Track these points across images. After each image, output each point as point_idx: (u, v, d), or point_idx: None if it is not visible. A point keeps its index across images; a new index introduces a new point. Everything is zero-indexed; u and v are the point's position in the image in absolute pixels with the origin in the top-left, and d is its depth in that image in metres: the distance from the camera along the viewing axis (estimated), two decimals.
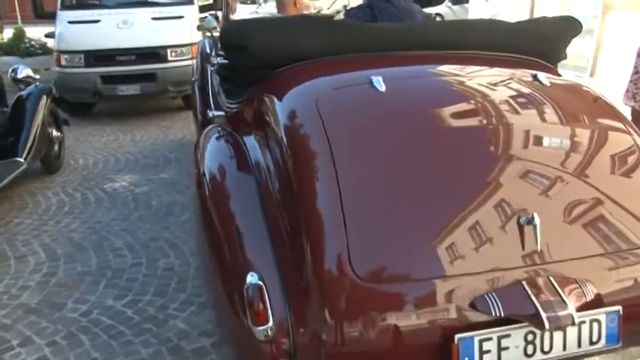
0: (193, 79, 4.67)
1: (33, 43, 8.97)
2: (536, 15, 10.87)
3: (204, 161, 2.19)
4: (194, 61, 6.37)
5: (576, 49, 8.99)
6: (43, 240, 3.56)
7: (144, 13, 6.66)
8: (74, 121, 5.86)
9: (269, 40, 2.08)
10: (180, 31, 6.64)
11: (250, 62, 2.12)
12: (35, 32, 9.08)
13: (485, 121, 1.80)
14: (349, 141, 1.71)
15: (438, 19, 19.30)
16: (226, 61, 2.30)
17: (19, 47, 8.86)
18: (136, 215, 3.91)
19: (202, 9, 7.21)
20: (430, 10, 11.49)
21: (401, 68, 2.06)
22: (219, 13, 6.02)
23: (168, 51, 6.45)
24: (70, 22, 6.67)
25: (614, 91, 2.33)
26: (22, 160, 4.20)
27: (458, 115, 1.82)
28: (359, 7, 3.31)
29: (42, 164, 4.74)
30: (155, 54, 6.42)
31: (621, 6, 8.14)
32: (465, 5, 12.00)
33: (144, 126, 6.42)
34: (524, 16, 10.97)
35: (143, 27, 6.52)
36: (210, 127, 2.46)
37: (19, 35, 9.09)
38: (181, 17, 6.71)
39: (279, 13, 3.34)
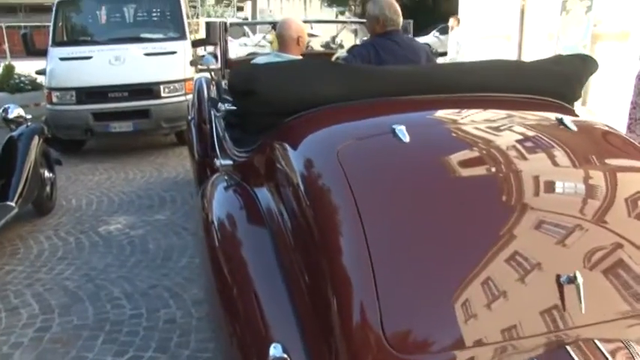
0: (190, 117, 4.55)
1: (22, 79, 8.86)
2: (524, 46, 10.98)
3: (212, 209, 2.07)
4: (188, 96, 6.33)
5: None
6: (36, 289, 3.38)
7: (136, 49, 6.57)
8: (66, 158, 5.72)
9: (280, 85, 1.97)
10: (174, 67, 6.55)
11: (261, 109, 2.01)
12: (25, 67, 8.97)
13: (517, 171, 1.69)
14: (375, 195, 1.59)
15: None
16: (234, 107, 2.19)
17: (9, 83, 8.74)
18: (132, 261, 3.74)
19: (195, 43, 7.15)
20: (418, 39, 11.50)
21: (422, 115, 1.96)
22: (210, 48, 6.01)
23: (162, 87, 6.34)
24: (61, 59, 6.56)
25: (606, 120, 2.25)
26: (13, 204, 4.04)
27: (488, 165, 1.71)
28: (362, 44, 3.24)
29: (33, 206, 4.58)
30: (148, 90, 6.32)
31: (609, 36, 8.22)
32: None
33: (137, 163, 6.28)
34: (513, 47, 11.10)
35: (136, 63, 6.42)
36: (217, 175, 2.34)
37: (9, 71, 8.99)
38: (174, 53, 6.63)
39: (280, 51, 3.23)
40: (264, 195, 1.96)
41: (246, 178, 2.16)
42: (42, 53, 6.84)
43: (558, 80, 2.28)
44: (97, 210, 4.84)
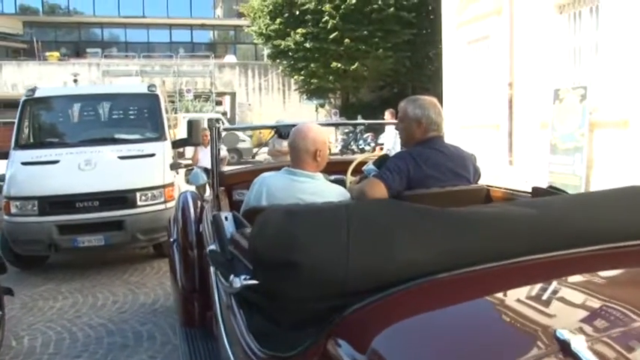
0: (172, 238, 3.70)
1: None
2: (515, 136, 10.53)
3: None
4: (168, 204, 5.51)
5: (566, 168, 8.55)
6: None
7: (109, 152, 5.77)
8: (24, 278, 4.81)
9: (338, 252, 1.16)
10: (152, 172, 5.76)
11: (306, 291, 1.17)
12: None
13: None
14: None
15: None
16: (255, 282, 1.33)
17: None
18: None
19: (175, 144, 6.40)
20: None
21: (587, 306, 1.13)
22: (200, 159, 5.23)
23: (138, 195, 5.50)
24: (23, 164, 5.73)
25: None
26: None
27: None
28: (397, 155, 2.51)
29: None
30: (122, 199, 5.46)
31: (608, 124, 7.80)
32: None
33: (108, 284, 5.29)
34: (502, 137, 10.66)
35: (108, 168, 5.61)
36: None
37: None
38: (152, 155, 5.85)
39: (294, 167, 2.45)
40: None
41: None
42: (3, 156, 6.00)
43: None
44: (55, 353, 3.82)
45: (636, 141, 7.35)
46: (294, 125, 2.67)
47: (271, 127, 4.21)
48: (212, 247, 2.01)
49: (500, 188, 2.74)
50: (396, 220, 1.30)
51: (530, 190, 2.55)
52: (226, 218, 2.04)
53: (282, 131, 3.32)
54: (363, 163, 3.16)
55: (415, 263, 1.21)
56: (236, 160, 18.06)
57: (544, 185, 2.69)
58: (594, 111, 7.98)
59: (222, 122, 19.95)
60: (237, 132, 3.76)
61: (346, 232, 1.21)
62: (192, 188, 5.82)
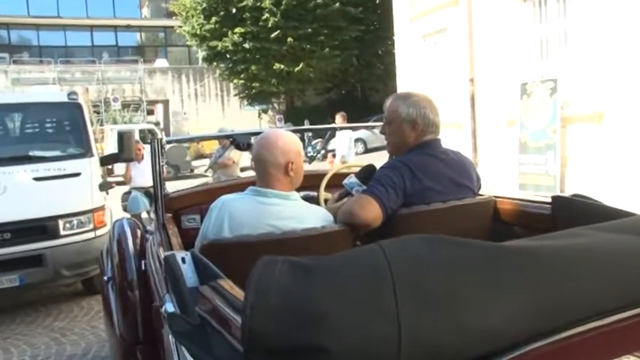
0: (106, 276, 3.22)
1: None
2: (480, 135, 10.47)
3: None
4: (98, 232, 4.98)
5: (539, 167, 8.46)
6: None
7: (23, 173, 5.17)
8: None
9: (385, 321, 0.80)
10: (76, 194, 5.17)
11: None
12: None
13: None
14: None
15: (360, 144, 19.36)
16: None
17: None
18: None
19: (104, 161, 5.84)
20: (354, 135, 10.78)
21: None
22: (139, 180, 4.72)
23: (60, 222, 4.90)
24: None
25: None
26: None
27: None
28: (389, 166, 2.20)
29: None
30: (41, 228, 4.85)
31: (581, 118, 7.75)
32: None
33: (25, 332, 4.68)
34: (465, 137, 10.54)
35: (22, 192, 5.00)
36: None
37: None
38: (77, 175, 5.28)
39: (261, 186, 2.07)
40: None
41: None
42: None
43: None
44: None
45: (612, 135, 7.33)
46: (253, 134, 2.30)
47: (224, 137, 3.79)
48: (168, 306, 1.58)
49: (510, 199, 2.44)
50: (459, 267, 0.94)
51: (548, 200, 2.27)
52: (183, 260, 1.62)
53: (238, 141, 2.91)
54: (338, 175, 2.80)
55: (498, 332, 0.85)
56: (173, 174, 17.36)
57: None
58: (566, 105, 7.96)
59: (157, 133, 19.23)
60: (182, 144, 3.30)
61: (392, 291, 0.84)
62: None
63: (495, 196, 2.42)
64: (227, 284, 1.33)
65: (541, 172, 8.24)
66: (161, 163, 2.71)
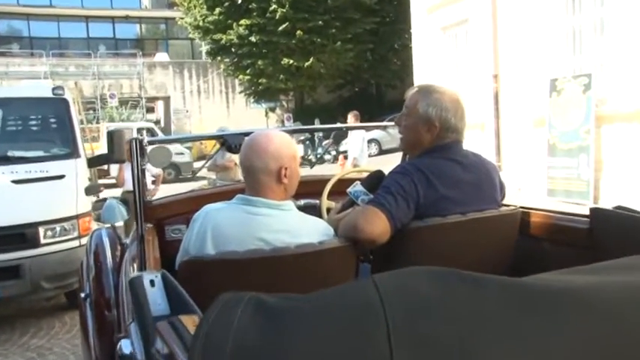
0: (83, 292, 3.10)
1: None
2: (504, 136, 10.25)
3: None
4: (84, 240, 4.84)
5: (569, 171, 8.21)
6: None
7: (0, 175, 5.06)
8: None
9: None
10: (60, 199, 5.06)
11: None
12: None
13: None
14: None
15: (374, 145, 19.20)
16: None
17: None
18: None
19: (92, 162, 5.74)
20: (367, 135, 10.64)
21: None
22: (117, 168, 4.58)
23: (41, 230, 4.78)
24: None
25: None
26: None
27: None
28: (399, 171, 2.05)
29: None
30: (19, 236, 4.72)
31: (619, 117, 7.51)
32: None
33: (1, 351, 4.56)
34: (488, 138, 10.33)
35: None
36: None
37: None
38: (61, 177, 5.17)
39: (250, 194, 1.95)
40: None
41: None
42: None
43: None
44: None
45: None
46: (247, 134, 2.16)
47: (213, 138, 3.64)
48: (124, 345, 1.43)
49: (541, 210, 2.29)
50: (475, 311, 0.78)
51: (585, 212, 2.11)
52: (152, 283, 1.47)
53: (229, 142, 2.77)
54: (345, 181, 2.66)
55: None
56: (173, 176, 17.32)
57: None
58: (601, 103, 7.78)
59: (155, 132, 19.19)
60: (168, 145, 3.16)
61: (386, 339, 0.70)
62: None
63: (522, 207, 2.26)
64: (191, 321, 1.17)
65: (572, 177, 8.06)
66: (142, 167, 2.57)
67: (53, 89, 5.93)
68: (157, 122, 27.41)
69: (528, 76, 8.95)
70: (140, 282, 1.47)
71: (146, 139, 2.69)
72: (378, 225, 1.85)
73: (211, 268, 1.79)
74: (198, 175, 19.00)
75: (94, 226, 4.43)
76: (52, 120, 5.95)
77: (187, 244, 1.97)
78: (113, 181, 9.65)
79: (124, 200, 2.92)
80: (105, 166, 13.97)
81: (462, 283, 0.83)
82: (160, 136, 17.51)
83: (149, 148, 2.67)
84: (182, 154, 18.63)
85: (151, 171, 7.12)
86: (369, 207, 1.93)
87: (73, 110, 5.94)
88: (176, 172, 17.90)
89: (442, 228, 1.95)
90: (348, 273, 1.91)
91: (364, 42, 24.50)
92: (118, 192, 7.04)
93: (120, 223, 3.45)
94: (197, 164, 19.91)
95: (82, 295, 3.10)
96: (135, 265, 2.15)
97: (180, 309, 1.35)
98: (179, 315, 1.25)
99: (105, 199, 2.94)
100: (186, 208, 2.90)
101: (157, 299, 1.45)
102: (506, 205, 2.21)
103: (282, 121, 25.87)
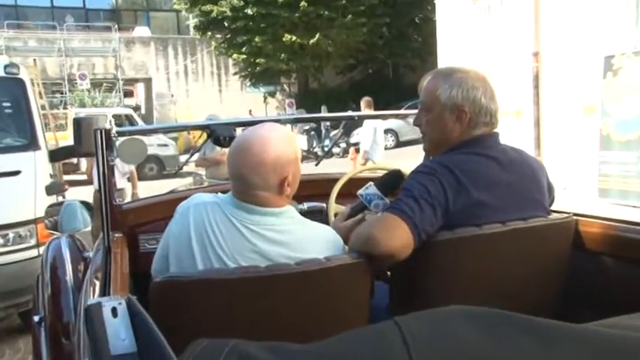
0: (37, 315, 3.12)
1: None
2: (544, 125, 10.23)
3: None
4: (42, 249, 4.83)
5: (627, 168, 8.14)
6: None
7: None
8: None
9: None
10: (14, 199, 5.13)
11: None
12: None
13: None
14: None
15: (390, 136, 19.28)
16: None
17: None
18: None
19: (55, 155, 5.74)
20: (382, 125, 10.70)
21: None
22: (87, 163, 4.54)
23: None
24: None
25: None
26: None
27: None
28: (423, 170, 2.05)
29: None
30: None
31: None
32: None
33: None
34: (526, 127, 10.34)
35: None
36: None
37: None
38: (16, 174, 5.20)
39: (241, 199, 1.92)
40: None
41: None
42: None
43: None
44: None
45: None
46: (238, 124, 2.13)
47: (197, 128, 3.61)
48: None
49: (600, 219, 2.25)
50: None
51: None
52: (115, 313, 1.38)
53: (218, 134, 2.74)
54: (356, 181, 2.66)
55: None
56: (156, 172, 17.40)
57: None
58: None
59: (134, 120, 19.24)
60: (142, 137, 3.08)
61: None
62: None
63: (576, 214, 2.22)
64: None
65: (630, 175, 8.08)
66: (108, 162, 2.52)
67: (5, 67, 5.94)
68: (137, 108, 27.60)
69: (577, 54, 8.99)
70: (98, 310, 1.38)
71: (114, 129, 2.64)
72: (398, 236, 1.83)
73: (192, 290, 1.76)
74: (184, 170, 19.09)
75: None
76: (5, 104, 5.96)
77: (166, 243, 1.99)
78: (84, 177, 9.65)
79: (85, 203, 2.86)
80: (74, 160, 14.08)
81: (503, 325, 0.78)
82: (140, 124, 17.50)
83: (119, 141, 2.63)
84: (166, 145, 18.71)
85: (122, 169, 7.09)
86: (387, 214, 1.91)
87: (31, 93, 5.99)
88: (159, 167, 18.02)
89: (476, 240, 1.94)
90: (360, 295, 1.89)
91: (379, 15, 24.71)
92: (88, 190, 7.04)
93: (88, 229, 3.43)
94: (184, 158, 20.02)
95: (36, 318, 3.12)
96: (97, 286, 2.08)
97: (149, 345, 1.27)
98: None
99: (61, 204, 2.90)
100: (165, 212, 2.85)
101: (119, 333, 1.36)
102: (556, 212, 2.19)
103: (284, 108, 26.02)
